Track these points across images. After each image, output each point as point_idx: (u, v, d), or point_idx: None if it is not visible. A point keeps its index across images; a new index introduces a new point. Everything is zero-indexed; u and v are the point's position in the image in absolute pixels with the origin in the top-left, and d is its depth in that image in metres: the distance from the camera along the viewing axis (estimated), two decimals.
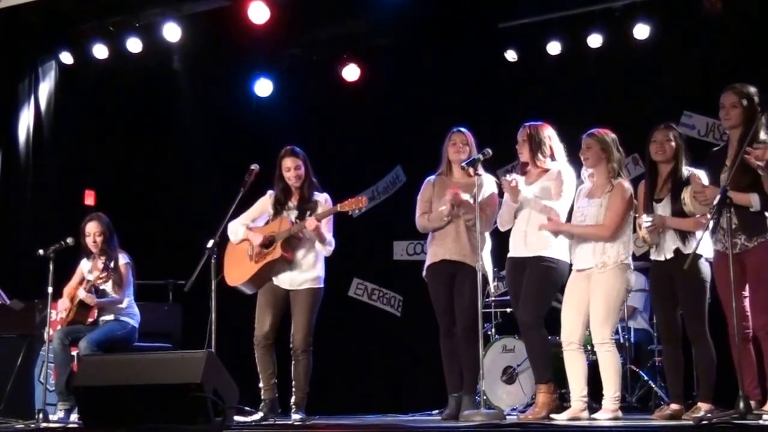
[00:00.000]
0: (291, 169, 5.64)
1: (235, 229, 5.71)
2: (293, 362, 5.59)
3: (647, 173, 5.26)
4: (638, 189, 5.26)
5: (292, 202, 5.69)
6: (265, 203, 5.76)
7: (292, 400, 5.58)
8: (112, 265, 6.06)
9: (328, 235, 5.61)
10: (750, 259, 4.75)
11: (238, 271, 5.64)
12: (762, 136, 4.74)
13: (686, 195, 4.93)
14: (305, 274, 5.61)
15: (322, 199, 5.70)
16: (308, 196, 5.66)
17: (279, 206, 5.69)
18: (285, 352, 5.65)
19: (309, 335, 5.58)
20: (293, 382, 5.59)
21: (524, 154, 5.43)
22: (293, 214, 5.65)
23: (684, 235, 5.02)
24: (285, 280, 5.62)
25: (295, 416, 5.48)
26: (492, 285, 5.89)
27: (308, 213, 5.61)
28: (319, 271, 5.66)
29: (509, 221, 5.41)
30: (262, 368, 5.59)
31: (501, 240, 5.61)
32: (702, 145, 6.81)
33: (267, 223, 5.75)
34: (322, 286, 5.67)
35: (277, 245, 5.56)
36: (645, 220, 5.00)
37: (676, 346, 5.10)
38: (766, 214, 4.74)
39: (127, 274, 6.24)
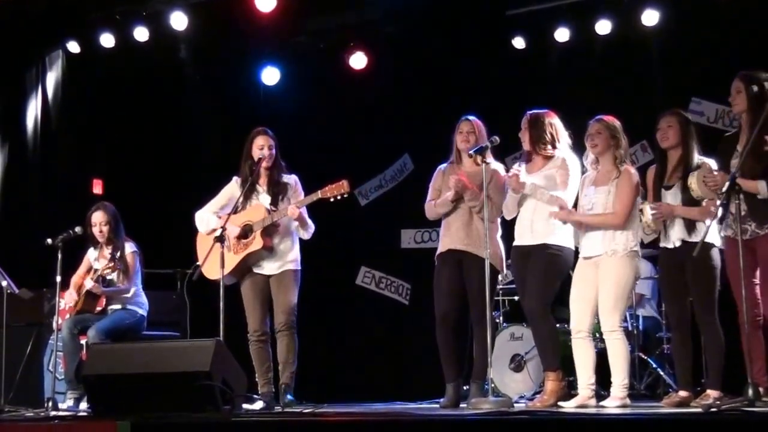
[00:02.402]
0: (264, 147, 5.56)
1: (206, 219, 5.61)
2: (278, 342, 5.52)
3: (657, 160, 5.23)
4: (647, 175, 5.24)
5: (262, 186, 5.62)
6: (232, 189, 5.65)
7: (282, 380, 5.49)
8: (118, 255, 6.06)
9: (308, 220, 5.59)
10: (761, 246, 4.73)
11: (216, 264, 5.42)
12: None
13: (692, 180, 4.90)
14: (284, 259, 5.56)
15: (292, 181, 5.65)
16: (277, 178, 5.60)
17: (248, 188, 5.56)
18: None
19: (292, 313, 5.51)
20: (280, 363, 5.51)
21: (525, 142, 5.42)
22: (267, 200, 5.58)
23: (691, 224, 5.00)
24: (266, 267, 5.56)
25: (287, 398, 5.40)
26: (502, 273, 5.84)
27: (280, 197, 5.56)
28: (296, 255, 5.61)
29: (514, 209, 5.40)
30: (258, 362, 5.54)
31: (507, 229, 5.60)
32: (711, 131, 6.78)
33: (236, 209, 5.63)
34: (300, 268, 5.61)
35: (256, 234, 5.49)
36: (650, 207, 4.97)
37: (685, 333, 5.09)
38: None
39: (134, 263, 6.25)
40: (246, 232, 5.53)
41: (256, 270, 5.57)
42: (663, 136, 5.12)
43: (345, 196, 5.40)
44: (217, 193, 5.77)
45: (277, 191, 5.58)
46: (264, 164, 5.57)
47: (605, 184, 5.15)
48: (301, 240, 5.68)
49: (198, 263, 5.49)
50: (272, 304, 5.59)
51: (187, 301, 5.35)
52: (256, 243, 5.49)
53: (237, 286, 5.68)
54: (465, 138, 5.53)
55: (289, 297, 5.52)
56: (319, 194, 5.42)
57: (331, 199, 5.41)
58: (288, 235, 5.59)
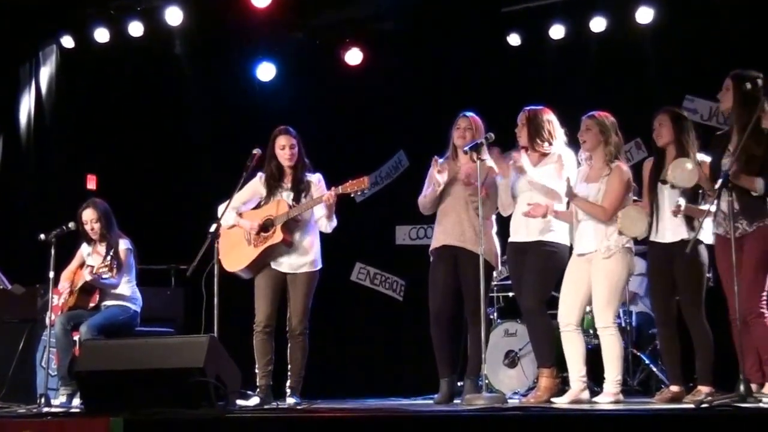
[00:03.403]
0: (286, 147, 5.60)
1: (226, 215, 5.61)
2: (290, 345, 5.58)
3: (654, 155, 5.24)
4: (644, 168, 5.25)
5: (285, 183, 5.65)
6: (256, 185, 5.69)
7: (288, 383, 5.56)
8: (112, 252, 6.04)
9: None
10: (749, 243, 4.76)
11: (236, 256, 5.58)
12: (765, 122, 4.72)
13: (668, 170, 4.90)
14: (303, 257, 5.58)
15: (315, 179, 5.67)
16: (301, 177, 5.63)
17: (271, 186, 5.63)
18: (283, 337, 5.65)
19: (306, 318, 5.56)
20: (289, 366, 5.57)
21: (523, 138, 5.41)
22: (289, 197, 5.60)
23: (688, 221, 5.01)
24: (283, 264, 5.59)
25: (290, 400, 5.47)
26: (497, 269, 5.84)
27: (303, 194, 5.58)
28: (316, 253, 5.64)
29: (510, 204, 5.40)
30: (260, 355, 5.56)
31: (502, 225, 5.61)
32: (704, 129, 6.77)
33: (259, 205, 5.69)
34: (319, 268, 5.65)
35: (277, 228, 5.52)
36: (678, 203, 4.94)
37: (673, 328, 5.11)
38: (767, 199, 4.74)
39: (128, 259, 6.22)
40: (266, 226, 5.55)
41: (273, 266, 5.58)
42: (657, 135, 5.15)
43: (365, 192, 5.40)
44: (221, 187, 5.78)
45: (301, 189, 5.61)
46: (286, 163, 5.59)
47: (596, 180, 5.16)
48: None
49: (219, 257, 5.47)
50: (285, 301, 5.61)
51: (204, 294, 5.33)
52: (276, 237, 5.50)
53: (242, 280, 5.69)
54: (462, 134, 5.53)
55: (303, 301, 5.55)
56: (339, 189, 5.43)
57: (351, 195, 5.43)
58: (308, 231, 5.61)
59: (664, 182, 5.06)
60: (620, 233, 5.02)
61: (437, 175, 5.44)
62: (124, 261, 6.17)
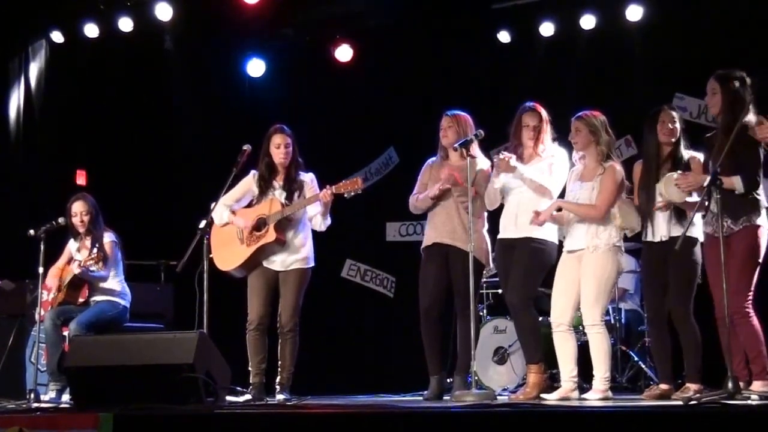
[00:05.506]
0: (281, 146, 5.61)
1: (219, 212, 5.64)
2: (280, 342, 5.60)
3: (646, 153, 5.25)
4: (634, 170, 5.27)
5: (278, 182, 5.66)
6: (249, 183, 5.70)
7: (278, 379, 5.59)
8: (98, 245, 6.04)
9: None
10: (735, 242, 4.78)
11: (229, 255, 5.59)
12: (750, 117, 4.73)
13: (661, 185, 4.95)
14: (295, 254, 5.60)
15: (308, 179, 5.69)
16: (294, 176, 5.65)
17: (264, 184, 5.64)
18: (274, 334, 5.66)
19: (296, 315, 5.58)
20: (279, 362, 5.60)
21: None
22: (282, 195, 5.62)
23: (678, 218, 5.04)
24: (275, 262, 5.61)
25: (280, 396, 5.50)
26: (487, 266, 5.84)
27: (296, 193, 5.60)
28: (308, 251, 5.66)
29: (496, 199, 5.42)
30: (253, 353, 5.58)
31: (492, 222, 5.62)
32: (693, 127, 6.81)
33: (251, 203, 5.71)
34: (311, 266, 5.67)
35: (270, 227, 5.53)
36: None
37: (664, 327, 5.13)
38: (755, 195, 4.76)
39: (113, 251, 6.22)
40: (259, 225, 5.56)
41: (266, 264, 5.60)
42: (670, 132, 5.13)
43: (359, 192, 5.42)
44: (211, 183, 5.78)
45: (293, 188, 5.62)
46: (280, 161, 5.60)
47: (590, 179, 5.18)
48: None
49: (211, 255, 5.52)
50: (278, 300, 5.63)
51: (198, 291, 5.35)
52: (269, 236, 5.51)
53: (232, 276, 5.68)
54: (444, 133, 5.55)
55: (293, 298, 5.57)
56: (333, 189, 5.43)
57: (345, 195, 5.43)
58: (301, 230, 5.62)
59: (657, 180, 5.08)
60: (622, 229, 5.08)
61: (430, 190, 5.45)
62: (110, 253, 6.18)
